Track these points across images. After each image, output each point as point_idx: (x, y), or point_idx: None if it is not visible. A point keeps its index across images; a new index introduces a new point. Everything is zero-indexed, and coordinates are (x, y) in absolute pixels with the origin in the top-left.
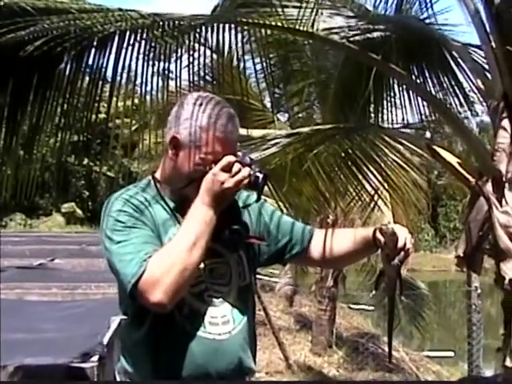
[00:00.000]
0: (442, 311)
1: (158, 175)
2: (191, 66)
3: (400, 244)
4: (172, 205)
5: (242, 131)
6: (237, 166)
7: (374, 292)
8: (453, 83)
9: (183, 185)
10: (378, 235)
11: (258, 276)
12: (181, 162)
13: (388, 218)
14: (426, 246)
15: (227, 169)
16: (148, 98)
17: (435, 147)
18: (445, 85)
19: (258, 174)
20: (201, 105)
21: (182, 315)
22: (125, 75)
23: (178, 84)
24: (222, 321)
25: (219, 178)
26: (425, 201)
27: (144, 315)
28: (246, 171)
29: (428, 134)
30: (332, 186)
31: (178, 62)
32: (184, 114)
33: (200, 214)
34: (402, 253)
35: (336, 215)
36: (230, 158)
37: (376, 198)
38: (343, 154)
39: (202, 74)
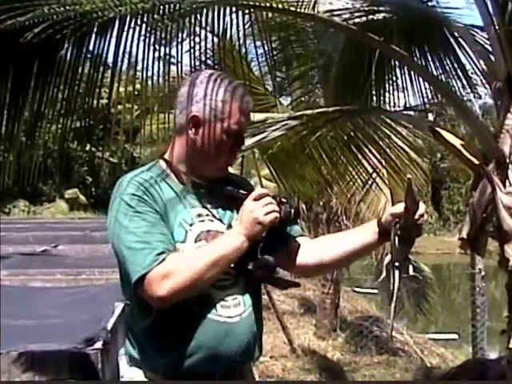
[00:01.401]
0: (446, 294)
1: (168, 157)
2: (192, 51)
3: (422, 210)
4: (184, 187)
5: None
6: (267, 199)
7: (384, 275)
8: (455, 65)
9: (206, 162)
10: (393, 210)
11: None
12: (204, 138)
13: (386, 199)
14: (430, 229)
15: (258, 198)
16: (149, 83)
17: (438, 129)
18: (447, 67)
19: (288, 209)
20: (216, 80)
21: (193, 299)
22: (126, 60)
23: (180, 69)
24: (233, 303)
25: (249, 209)
26: (425, 182)
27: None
28: (274, 205)
29: (431, 117)
30: (334, 170)
31: (179, 46)
32: (200, 92)
33: (232, 239)
34: (423, 219)
35: (338, 199)
36: (262, 190)
37: (375, 177)
38: (345, 137)
39: (203, 58)
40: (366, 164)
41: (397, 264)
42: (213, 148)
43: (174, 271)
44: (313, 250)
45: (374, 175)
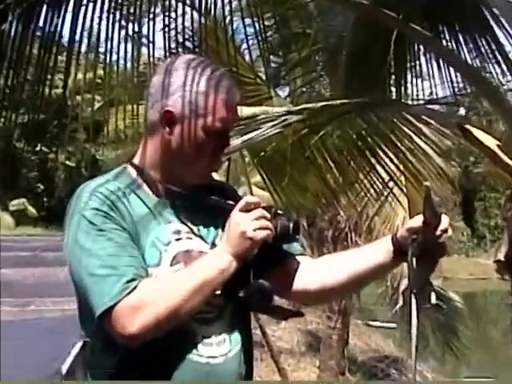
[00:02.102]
0: (481, 328)
1: (138, 162)
2: (167, 30)
3: (444, 224)
4: (158, 199)
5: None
6: (259, 210)
7: (398, 307)
8: (493, 47)
9: (184, 167)
10: (411, 225)
11: None
12: (180, 138)
13: (405, 212)
14: (461, 249)
15: (248, 209)
16: (115, 68)
17: (468, 127)
18: (483, 50)
19: (286, 223)
20: (196, 67)
21: (168, 335)
22: (85, 40)
23: (152, 52)
24: (216, 341)
25: (238, 222)
26: (453, 192)
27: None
28: (267, 218)
29: (462, 111)
30: (342, 177)
31: (152, 23)
32: (176, 82)
33: (217, 259)
34: (445, 236)
35: (348, 214)
36: (252, 199)
37: (392, 186)
38: (355, 137)
39: (180, 39)
40: (380, 170)
41: (415, 290)
42: (192, 150)
43: (146, 303)
44: (314, 271)
45: (391, 184)
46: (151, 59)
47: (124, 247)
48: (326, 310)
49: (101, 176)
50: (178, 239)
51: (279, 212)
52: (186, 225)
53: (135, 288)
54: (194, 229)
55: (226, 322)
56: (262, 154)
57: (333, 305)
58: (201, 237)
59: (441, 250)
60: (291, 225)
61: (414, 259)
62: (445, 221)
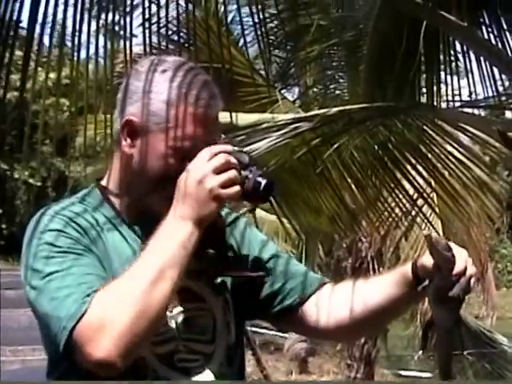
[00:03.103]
0: None
1: (106, 183)
2: (150, 21)
3: (459, 267)
4: (130, 226)
5: (227, 115)
6: (224, 158)
7: (420, 352)
8: None
9: (147, 190)
10: (424, 261)
11: (257, 329)
12: (141, 154)
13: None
14: (510, 281)
15: (209, 159)
16: (87, 68)
17: None
18: None
19: (258, 178)
20: (165, 71)
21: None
22: (48, 31)
23: (129, 48)
24: None
25: (196, 176)
26: (498, 210)
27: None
28: (233, 172)
29: (509, 115)
30: (362, 196)
31: (131, 13)
32: (141, 87)
33: (172, 230)
34: (463, 279)
35: (370, 239)
36: (214, 148)
37: (422, 205)
38: (378, 148)
39: (165, 32)
40: (407, 186)
41: (443, 333)
42: (153, 170)
43: (106, 319)
44: (335, 307)
45: (420, 202)
46: (130, 56)
47: (89, 267)
48: (346, 356)
49: (72, 199)
50: None
51: (251, 163)
52: None
53: (92, 300)
54: None
55: (214, 374)
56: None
57: (354, 352)
58: None
59: (463, 290)
60: (263, 182)
61: (434, 302)
62: (461, 261)
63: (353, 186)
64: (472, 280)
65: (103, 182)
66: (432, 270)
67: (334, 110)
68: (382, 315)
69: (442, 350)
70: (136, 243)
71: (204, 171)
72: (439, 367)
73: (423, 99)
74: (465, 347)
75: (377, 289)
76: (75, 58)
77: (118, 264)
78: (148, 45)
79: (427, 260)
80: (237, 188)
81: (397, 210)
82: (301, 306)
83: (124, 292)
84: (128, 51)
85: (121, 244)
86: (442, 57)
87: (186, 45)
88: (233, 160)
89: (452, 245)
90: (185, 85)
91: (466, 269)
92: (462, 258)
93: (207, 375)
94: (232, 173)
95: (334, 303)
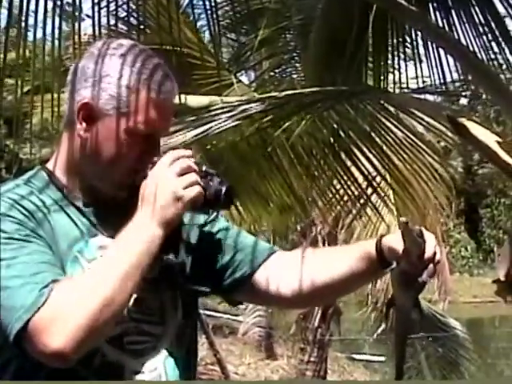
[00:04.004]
0: (490, 363)
1: (52, 166)
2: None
3: (429, 253)
4: (79, 208)
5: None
6: (185, 163)
7: (383, 327)
8: (495, 28)
9: (101, 173)
10: (393, 244)
11: (210, 312)
12: (98, 138)
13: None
14: (463, 267)
15: (172, 163)
16: (42, 47)
17: (463, 120)
18: (481, 30)
19: (219, 186)
20: (123, 55)
21: (90, 370)
22: (4, 11)
23: (88, 28)
24: (150, 377)
25: (159, 180)
26: (449, 198)
27: (35, 372)
28: (194, 174)
29: (463, 101)
30: (311, 183)
31: None
32: (97, 70)
33: (137, 231)
34: (431, 266)
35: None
36: (175, 153)
37: (371, 193)
38: (328, 133)
39: (121, 14)
40: (355, 171)
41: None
42: (108, 154)
43: (67, 308)
44: (291, 273)
45: (371, 189)
46: (88, 38)
47: (41, 254)
48: (300, 340)
49: (17, 181)
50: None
51: (210, 171)
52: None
53: (51, 292)
54: None
55: (164, 355)
56: (210, 148)
57: (307, 335)
58: None
59: (424, 284)
60: (224, 188)
61: (396, 284)
62: (430, 247)
63: (302, 172)
64: (438, 265)
65: (50, 164)
66: (401, 255)
67: (283, 93)
68: (339, 285)
69: (399, 331)
70: (83, 225)
71: (166, 174)
72: (395, 348)
73: (374, 83)
74: (418, 331)
75: (338, 259)
76: (32, 38)
77: (65, 246)
78: (99, 26)
79: (395, 244)
80: (198, 188)
81: (347, 199)
82: (251, 276)
83: (85, 287)
84: (87, 33)
85: (68, 226)
86: (391, 42)
87: (140, 27)
88: (193, 165)
89: (423, 230)
90: (143, 69)
91: (434, 255)
92: (432, 245)
93: (156, 358)
94: (193, 175)
95: (289, 270)
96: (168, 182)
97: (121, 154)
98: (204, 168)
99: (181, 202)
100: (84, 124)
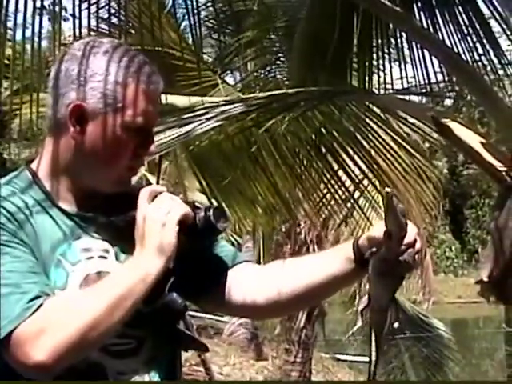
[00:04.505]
0: (474, 363)
1: (36, 165)
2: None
3: (410, 237)
4: (62, 210)
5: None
6: (165, 195)
7: (359, 324)
8: (479, 29)
9: (97, 172)
10: (372, 233)
11: (195, 313)
12: (94, 139)
13: (380, 217)
14: (448, 267)
15: (153, 198)
16: (28, 47)
17: (447, 121)
18: (465, 31)
19: (205, 213)
20: (106, 52)
21: (73, 371)
22: None
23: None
24: (134, 377)
25: (143, 212)
26: (436, 198)
27: (11, 375)
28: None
29: (448, 102)
30: (296, 182)
31: None
32: (82, 71)
33: (134, 265)
34: (411, 250)
35: (309, 224)
36: (156, 187)
37: (357, 195)
38: (312, 134)
39: (103, 14)
40: (340, 172)
41: (375, 312)
42: (107, 152)
43: (54, 323)
44: (262, 281)
45: (352, 188)
46: (73, 38)
47: (24, 262)
48: (284, 341)
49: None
50: (88, 258)
51: (197, 205)
52: (99, 241)
53: (40, 307)
54: (108, 246)
55: (147, 356)
56: (192, 148)
57: (292, 336)
58: (117, 256)
59: (406, 265)
60: (211, 213)
61: (375, 274)
62: (412, 232)
63: (286, 173)
64: (417, 255)
65: (33, 165)
66: (381, 239)
67: (267, 94)
68: (314, 289)
69: (375, 325)
70: (67, 227)
71: (148, 210)
72: (369, 345)
73: (359, 84)
74: (401, 331)
75: (311, 264)
76: (18, 39)
77: (48, 247)
78: (79, 27)
79: (375, 232)
80: (181, 210)
81: (333, 201)
82: (217, 285)
83: (77, 307)
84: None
85: (51, 228)
86: (376, 43)
87: (127, 27)
88: (173, 196)
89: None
90: (129, 62)
91: (416, 241)
92: (414, 230)
93: (138, 359)
94: (171, 202)
95: (261, 280)
96: (153, 215)
97: (118, 150)
98: (193, 203)
99: (168, 225)
100: (78, 127)
